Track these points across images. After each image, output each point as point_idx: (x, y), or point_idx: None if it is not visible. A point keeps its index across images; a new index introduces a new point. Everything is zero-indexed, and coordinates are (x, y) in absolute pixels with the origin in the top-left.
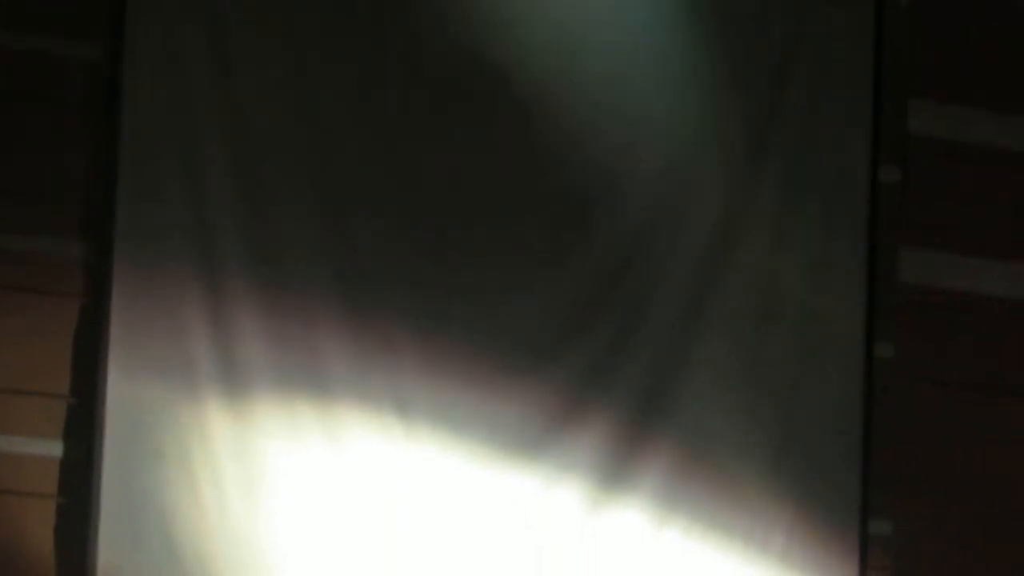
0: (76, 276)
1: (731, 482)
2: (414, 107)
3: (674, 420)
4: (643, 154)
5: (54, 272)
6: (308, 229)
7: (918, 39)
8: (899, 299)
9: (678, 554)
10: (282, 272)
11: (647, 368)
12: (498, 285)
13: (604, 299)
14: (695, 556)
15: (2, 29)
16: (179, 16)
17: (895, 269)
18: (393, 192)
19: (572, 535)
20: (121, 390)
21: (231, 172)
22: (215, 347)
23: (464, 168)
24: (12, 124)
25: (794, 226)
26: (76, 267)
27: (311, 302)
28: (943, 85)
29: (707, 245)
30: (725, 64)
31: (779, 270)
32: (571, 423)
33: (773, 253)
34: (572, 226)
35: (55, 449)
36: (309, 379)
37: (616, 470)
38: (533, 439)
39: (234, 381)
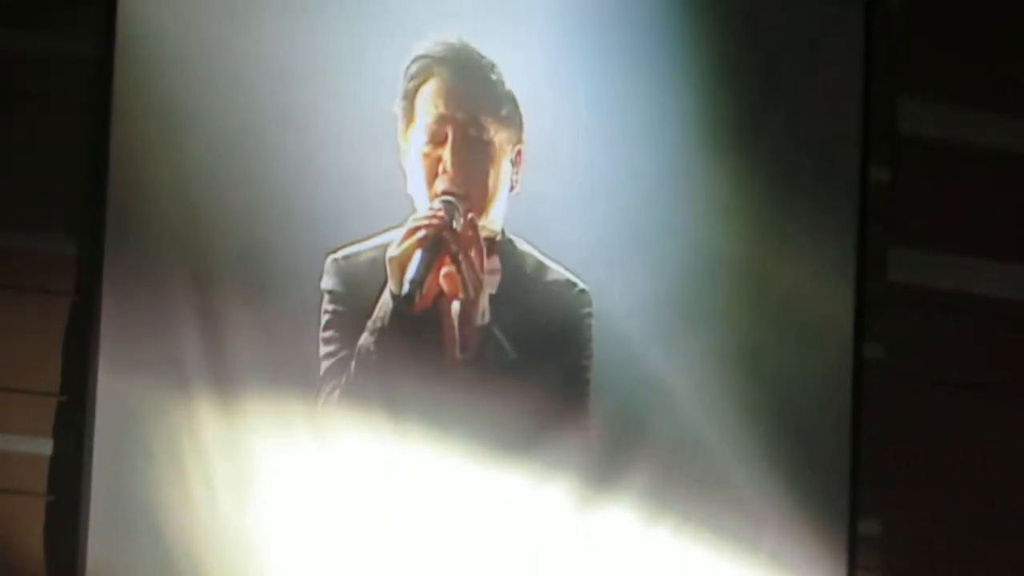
0: (66, 274)
1: (721, 482)
2: None
3: (662, 422)
4: (631, 148)
5: (44, 269)
6: (297, 221)
7: (908, 39)
8: (888, 299)
9: (668, 553)
10: (272, 270)
11: (636, 367)
12: None
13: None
14: (685, 555)
15: None
16: (170, 15)
17: (884, 269)
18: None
19: (562, 535)
20: (111, 388)
21: (220, 171)
22: (205, 345)
23: None
24: (2, 122)
25: (784, 225)
26: (66, 264)
27: (302, 299)
28: (933, 85)
29: (696, 242)
30: (715, 61)
31: (769, 269)
32: (561, 422)
33: (763, 252)
34: None
35: (45, 447)
36: (299, 378)
37: (606, 469)
38: (524, 438)
39: (224, 379)
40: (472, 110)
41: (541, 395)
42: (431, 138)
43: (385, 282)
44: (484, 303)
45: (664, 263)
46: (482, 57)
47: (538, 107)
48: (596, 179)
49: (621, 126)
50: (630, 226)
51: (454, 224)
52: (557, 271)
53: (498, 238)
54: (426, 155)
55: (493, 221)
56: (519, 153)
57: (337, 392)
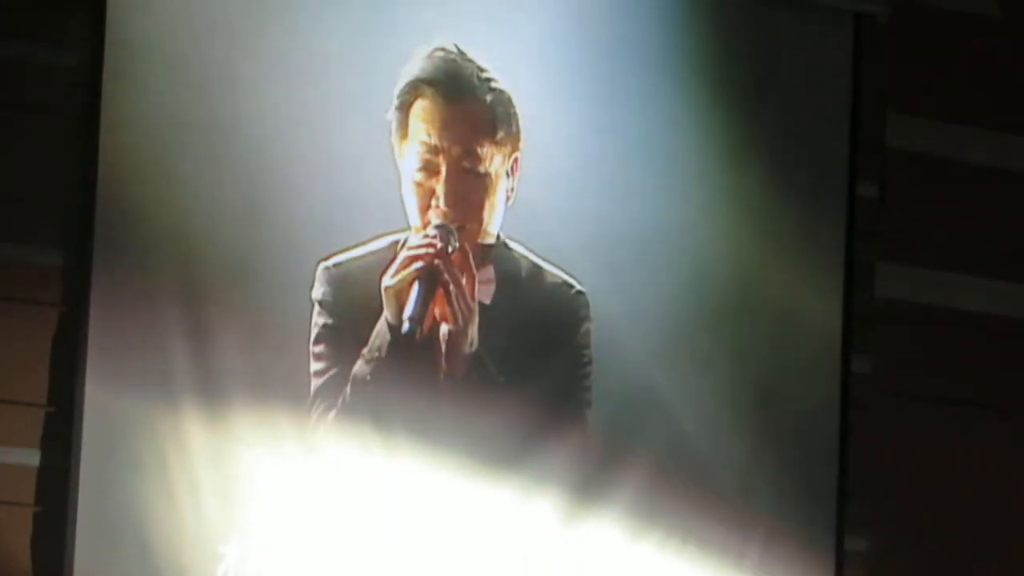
0: (54, 284)
1: (707, 496)
2: None
3: (649, 433)
4: (620, 161)
5: (31, 280)
6: (285, 233)
7: (897, 54)
8: (876, 314)
9: (654, 567)
10: (261, 281)
11: (622, 382)
12: None
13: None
14: (671, 569)
15: None
16: (159, 26)
17: (872, 284)
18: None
19: (548, 548)
20: (99, 399)
21: (210, 182)
22: (193, 356)
23: None
24: None
25: (772, 239)
26: (54, 275)
27: (289, 312)
28: (921, 100)
29: (686, 254)
30: (705, 76)
31: (756, 283)
32: (547, 436)
33: (751, 266)
34: None
35: (32, 458)
36: (287, 389)
37: (592, 483)
38: (510, 451)
39: (212, 390)
40: (466, 141)
41: (536, 411)
42: (424, 166)
43: (379, 303)
44: (473, 332)
45: (656, 272)
46: (479, 70)
47: (534, 110)
48: (591, 184)
49: (614, 133)
50: (623, 233)
51: (449, 249)
52: (554, 273)
53: (493, 242)
54: (419, 184)
55: (489, 234)
56: (515, 161)
57: (331, 415)
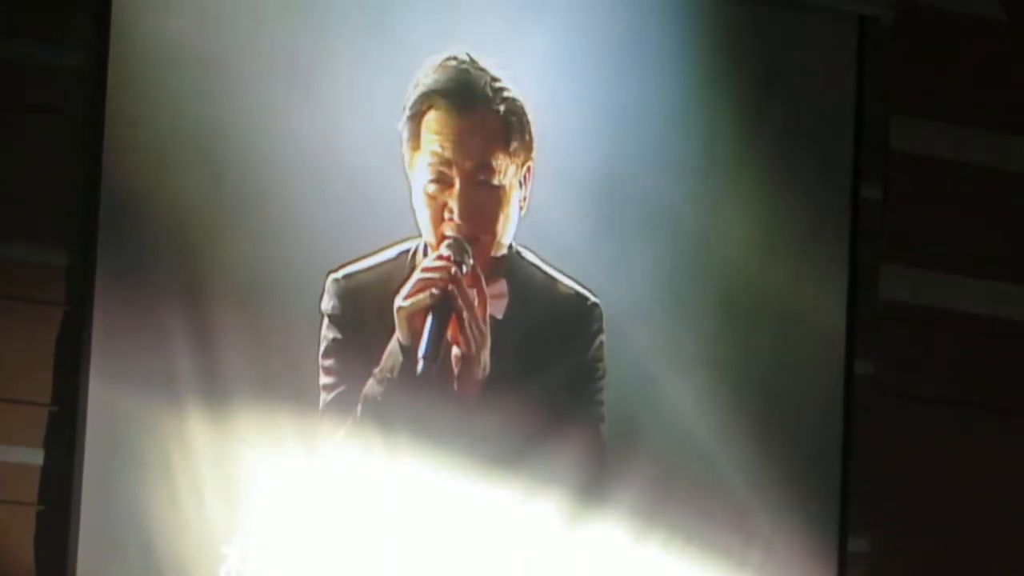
0: (58, 284)
1: (709, 496)
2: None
3: (652, 434)
4: (625, 161)
5: (36, 280)
6: (291, 235)
7: (900, 57)
8: (879, 316)
9: (657, 568)
10: (266, 281)
11: (626, 383)
12: None
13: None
14: (673, 570)
15: None
16: (163, 26)
17: (876, 286)
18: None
19: (551, 549)
20: (102, 399)
21: (214, 182)
22: (197, 356)
23: None
24: None
25: (776, 242)
26: (58, 275)
27: (293, 311)
28: (925, 102)
29: (690, 255)
30: (709, 78)
31: (760, 285)
32: (550, 436)
33: (755, 268)
34: None
35: (35, 457)
36: (291, 390)
37: (594, 484)
38: (512, 452)
39: (216, 390)
40: (480, 154)
41: (548, 427)
42: (437, 178)
43: (389, 318)
44: (485, 357)
45: (661, 273)
46: (492, 79)
47: (538, 113)
48: (594, 186)
49: (618, 135)
50: (627, 234)
51: (464, 269)
52: (567, 284)
53: (505, 253)
54: (432, 197)
55: (502, 245)
56: (528, 170)
57: (341, 432)
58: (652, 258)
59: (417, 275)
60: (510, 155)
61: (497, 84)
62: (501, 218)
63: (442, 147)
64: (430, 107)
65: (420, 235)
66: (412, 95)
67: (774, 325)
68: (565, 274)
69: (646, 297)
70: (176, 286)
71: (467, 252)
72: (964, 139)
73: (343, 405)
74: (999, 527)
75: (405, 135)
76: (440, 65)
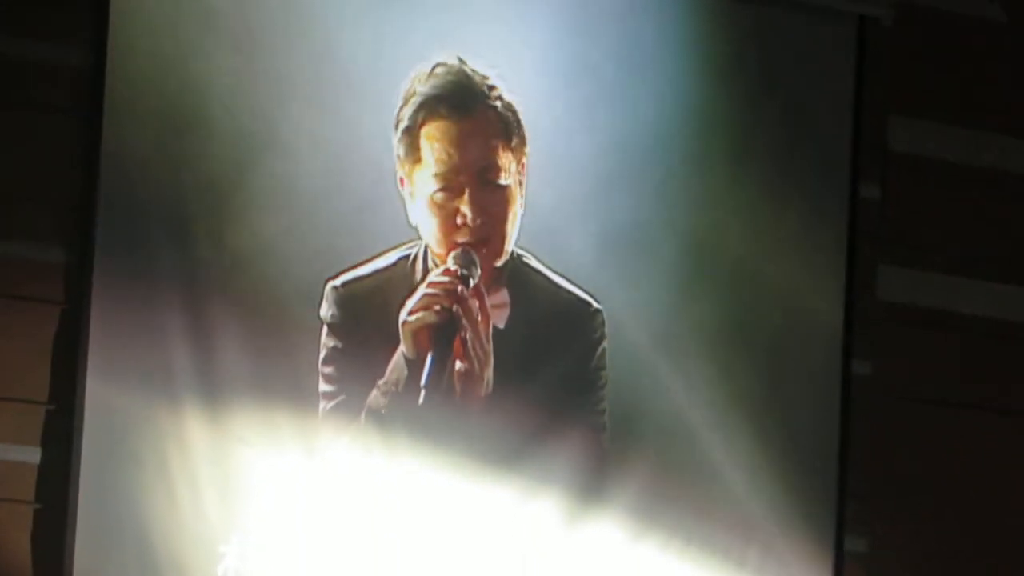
0: (56, 282)
1: (707, 497)
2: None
3: (650, 434)
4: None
5: (34, 278)
6: (290, 236)
7: (900, 57)
8: (877, 316)
9: (655, 568)
10: (264, 280)
11: (622, 382)
12: None
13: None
14: (672, 570)
15: None
16: (163, 23)
17: (873, 286)
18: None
19: (549, 549)
20: (100, 397)
21: (211, 181)
22: (195, 355)
23: None
24: None
25: (773, 242)
26: (56, 273)
27: (290, 310)
28: (924, 103)
29: (690, 258)
30: (708, 78)
31: (758, 285)
32: (546, 426)
33: (752, 268)
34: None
35: (32, 455)
36: (287, 387)
37: (593, 484)
38: (511, 452)
39: (213, 388)
40: (486, 155)
41: (550, 437)
42: (445, 187)
43: (389, 327)
44: (488, 375)
45: (659, 273)
46: (484, 80)
47: (535, 112)
48: (593, 185)
49: (616, 135)
50: (625, 233)
51: (470, 281)
52: (568, 290)
53: (506, 260)
54: (441, 205)
55: (507, 252)
56: (523, 166)
57: (343, 441)
58: (650, 257)
59: (423, 290)
60: (512, 151)
61: (489, 82)
62: (510, 216)
63: (448, 155)
64: (428, 119)
65: (419, 239)
66: (407, 109)
67: (772, 325)
68: (566, 278)
69: (644, 297)
70: (174, 285)
71: (475, 264)
72: (963, 140)
73: (345, 415)
74: (997, 527)
75: (402, 150)
76: (430, 73)
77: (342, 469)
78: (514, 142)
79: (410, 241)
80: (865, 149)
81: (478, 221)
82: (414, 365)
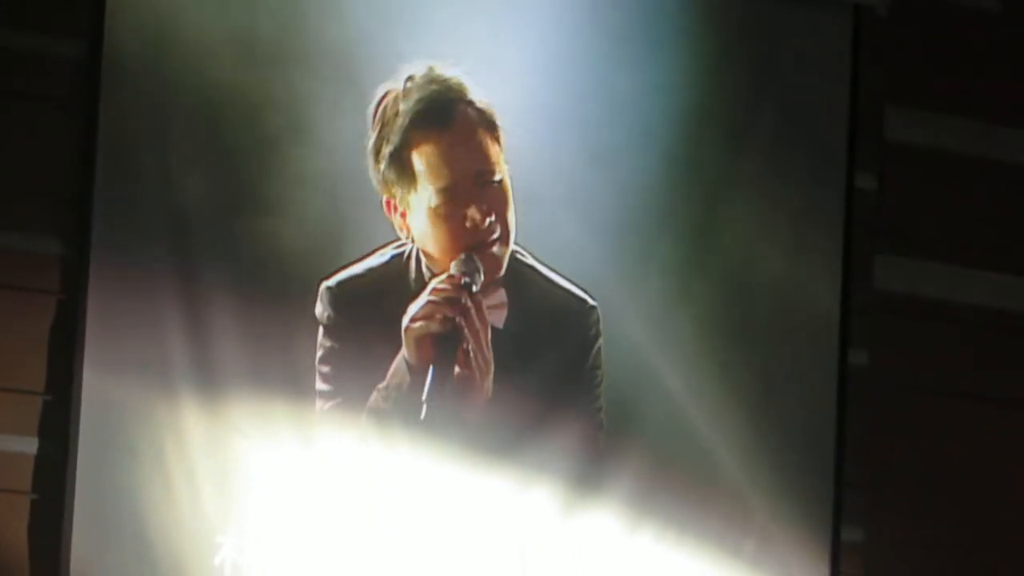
0: (53, 272)
1: (704, 486)
2: None
3: (647, 425)
4: (621, 149)
5: (30, 268)
6: (285, 227)
7: (896, 46)
8: (874, 306)
9: (651, 558)
10: (258, 271)
11: (619, 373)
12: None
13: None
14: (668, 560)
15: None
16: (159, 16)
17: (870, 276)
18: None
19: (545, 539)
20: (96, 387)
21: (207, 171)
22: (191, 345)
23: None
24: None
25: (770, 232)
26: (53, 263)
27: (287, 301)
28: (920, 93)
29: (686, 248)
30: (704, 67)
31: (754, 275)
32: (544, 426)
33: (749, 258)
34: None
35: (30, 446)
36: (283, 378)
37: (589, 474)
38: (507, 435)
39: (210, 379)
40: (479, 157)
41: (548, 438)
42: (449, 200)
43: (386, 326)
44: (488, 384)
45: (655, 264)
46: (454, 81)
47: (529, 103)
48: (589, 178)
49: (610, 125)
50: (622, 225)
51: (474, 287)
52: (564, 288)
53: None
54: (446, 215)
55: (508, 251)
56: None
57: (344, 444)
58: (647, 248)
59: (426, 297)
60: (497, 143)
61: (458, 81)
62: (510, 207)
63: (445, 166)
64: (416, 136)
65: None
66: (392, 134)
67: (768, 314)
68: (561, 274)
69: (640, 287)
70: (170, 275)
71: (478, 270)
72: (959, 129)
73: (342, 416)
74: (993, 517)
75: (393, 175)
76: (405, 91)
77: (339, 460)
78: (496, 133)
79: (397, 240)
80: (861, 139)
81: (487, 222)
82: (416, 371)
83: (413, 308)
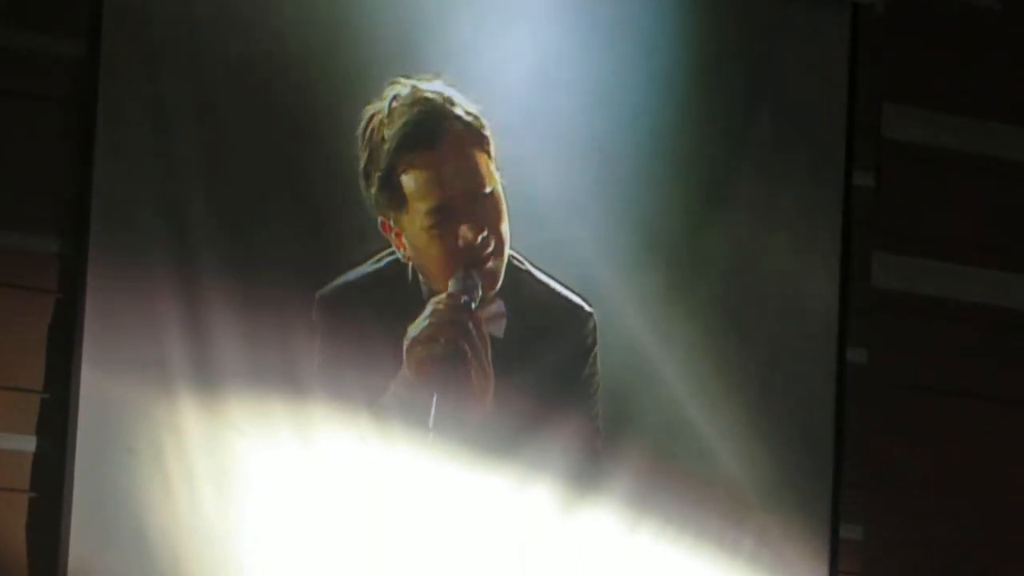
0: (51, 271)
1: (702, 484)
2: None
3: (646, 422)
4: (622, 147)
5: (29, 267)
6: (282, 226)
7: (894, 44)
8: (872, 304)
9: (649, 556)
10: (256, 270)
11: (618, 370)
12: None
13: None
14: (666, 558)
15: None
16: (157, 15)
17: (868, 274)
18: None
19: (544, 538)
20: (95, 386)
21: (206, 171)
22: (189, 344)
23: None
24: None
25: (768, 230)
26: (50, 262)
27: (285, 300)
28: (918, 90)
29: (684, 246)
30: (701, 65)
31: (752, 273)
32: (543, 424)
33: (746, 256)
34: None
35: (28, 444)
36: (282, 377)
37: (588, 472)
38: (505, 440)
39: (207, 378)
40: (469, 174)
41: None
42: (441, 220)
43: (383, 335)
44: (490, 396)
45: (653, 262)
46: (441, 97)
47: (529, 105)
48: (587, 175)
49: (608, 123)
50: (621, 222)
51: (473, 305)
52: (561, 295)
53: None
54: (439, 234)
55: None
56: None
57: (345, 443)
58: (645, 246)
59: (428, 319)
60: (487, 154)
61: (446, 95)
62: (504, 219)
63: (435, 186)
64: (405, 158)
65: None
66: (381, 156)
67: (766, 313)
68: (559, 279)
69: (639, 285)
70: (169, 274)
71: (477, 287)
72: (957, 127)
73: (343, 415)
74: (992, 515)
75: (384, 199)
76: (391, 111)
77: (338, 460)
78: (486, 144)
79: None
80: (860, 137)
81: (480, 238)
82: (417, 390)
83: (413, 330)
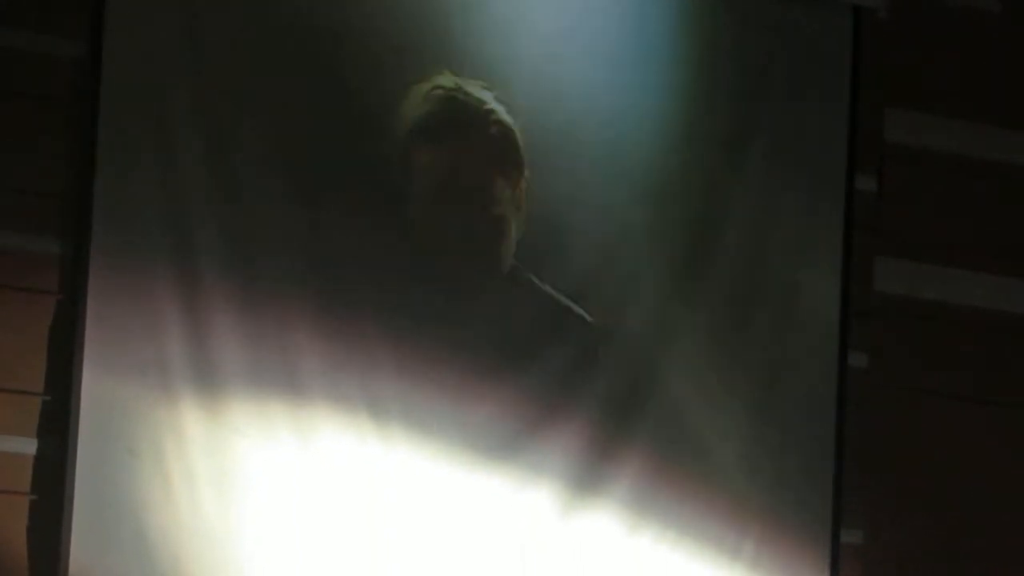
0: (52, 273)
1: (703, 489)
2: None
3: (646, 426)
4: (626, 152)
5: (30, 268)
6: (284, 229)
7: (896, 50)
8: (874, 308)
9: (650, 560)
10: (257, 272)
11: (620, 373)
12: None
13: (580, 302)
14: (667, 562)
15: None
16: (156, 14)
17: (870, 278)
18: (369, 188)
19: (544, 540)
20: (96, 388)
21: (208, 171)
22: (190, 345)
23: None
24: None
25: (770, 234)
26: (52, 264)
27: (285, 301)
28: (920, 95)
29: (687, 250)
30: (704, 71)
31: (753, 277)
32: (544, 426)
33: (749, 261)
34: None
35: (29, 446)
36: (282, 378)
37: (588, 475)
38: (506, 442)
39: (208, 380)
40: (478, 178)
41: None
42: (435, 202)
43: None
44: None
45: (655, 267)
46: (480, 104)
47: (531, 106)
48: (587, 176)
49: (610, 125)
50: (622, 226)
51: None
52: (562, 303)
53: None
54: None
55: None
56: (521, 190)
57: (345, 443)
58: (648, 250)
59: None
60: (506, 177)
61: (486, 107)
62: (503, 247)
63: (440, 179)
64: (419, 145)
65: None
66: (401, 129)
67: (768, 317)
68: (558, 288)
69: (640, 289)
70: (169, 276)
71: None
72: (958, 131)
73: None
74: (992, 519)
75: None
76: (426, 96)
77: (338, 460)
78: (508, 168)
79: None
80: (861, 140)
81: (464, 245)
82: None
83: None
